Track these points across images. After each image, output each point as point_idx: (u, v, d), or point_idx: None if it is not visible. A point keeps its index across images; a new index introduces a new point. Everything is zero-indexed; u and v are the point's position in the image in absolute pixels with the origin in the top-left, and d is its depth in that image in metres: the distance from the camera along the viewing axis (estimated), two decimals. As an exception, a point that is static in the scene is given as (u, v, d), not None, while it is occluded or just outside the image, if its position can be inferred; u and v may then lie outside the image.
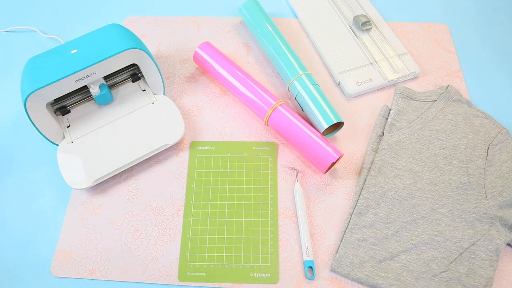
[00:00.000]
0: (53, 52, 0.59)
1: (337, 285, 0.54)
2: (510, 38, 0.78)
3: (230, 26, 0.78)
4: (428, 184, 0.59)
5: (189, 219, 0.58)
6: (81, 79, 0.57)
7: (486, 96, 0.70)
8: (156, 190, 0.61)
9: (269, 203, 0.59)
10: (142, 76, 0.67)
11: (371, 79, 0.69)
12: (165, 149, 0.63)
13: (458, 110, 0.66)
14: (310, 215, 0.59)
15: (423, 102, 0.67)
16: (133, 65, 0.63)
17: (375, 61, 0.71)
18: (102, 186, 0.61)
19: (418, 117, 0.65)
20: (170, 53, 0.74)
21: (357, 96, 0.69)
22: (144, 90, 0.67)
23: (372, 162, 0.61)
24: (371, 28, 0.75)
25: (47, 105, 0.59)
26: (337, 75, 0.70)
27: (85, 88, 0.63)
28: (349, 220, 0.57)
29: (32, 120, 0.57)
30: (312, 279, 0.54)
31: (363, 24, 0.74)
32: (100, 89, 0.62)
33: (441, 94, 0.67)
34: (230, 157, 0.63)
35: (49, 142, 0.61)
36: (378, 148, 0.62)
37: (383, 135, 0.64)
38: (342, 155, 0.59)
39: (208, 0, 0.82)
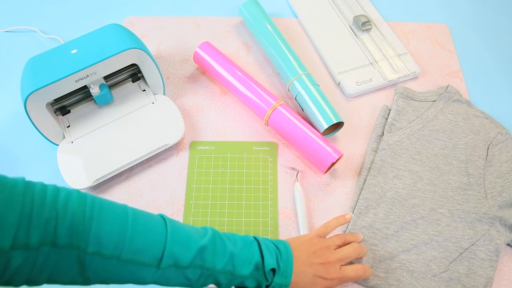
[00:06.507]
0: (53, 52, 0.59)
1: (337, 285, 0.54)
2: (510, 38, 0.78)
3: (230, 26, 0.78)
4: (428, 184, 0.59)
5: (189, 219, 0.58)
6: (81, 79, 0.57)
7: (486, 96, 0.70)
8: (156, 190, 0.61)
9: (269, 203, 0.59)
10: (142, 76, 0.67)
11: (371, 79, 0.69)
12: (165, 149, 0.63)
13: (458, 110, 0.66)
14: (310, 215, 0.59)
15: (423, 102, 0.67)
16: (133, 65, 0.63)
17: (375, 61, 0.71)
18: (102, 186, 0.61)
19: (418, 117, 0.65)
20: (170, 53, 0.74)
21: (357, 96, 0.69)
22: (144, 90, 0.67)
23: (372, 162, 0.61)
24: (371, 28, 0.75)
25: (47, 105, 0.59)
26: (337, 75, 0.70)
27: (85, 88, 0.63)
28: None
29: (32, 120, 0.57)
30: (312, 279, 0.54)
31: (363, 24, 0.74)
32: (100, 89, 0.62)
33: (441, 94, 0.67)
34: (230, 157, 0.63)
35: (49, 142, 0.61)
36: (378, 148, 0.62)
37: (383, 135, 0.64)
38: (342, 155, 0.59)
39: (208, 0, 0.82)
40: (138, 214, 0.41)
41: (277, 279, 0.44)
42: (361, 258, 0.52)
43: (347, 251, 0.49)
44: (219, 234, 0.45)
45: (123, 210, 0.40)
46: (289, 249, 0.47)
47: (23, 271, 0.34)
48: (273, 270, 0.45)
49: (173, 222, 0.43)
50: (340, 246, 0.50)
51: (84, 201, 0.37)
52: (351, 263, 0.52)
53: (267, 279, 0.44)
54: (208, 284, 0.43)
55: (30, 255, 0.34)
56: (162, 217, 0.43)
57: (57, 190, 0.37)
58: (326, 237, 0.52)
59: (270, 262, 0.44)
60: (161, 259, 0.39)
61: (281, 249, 0.46)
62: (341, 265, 0.48)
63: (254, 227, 0.57)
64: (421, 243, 0.55)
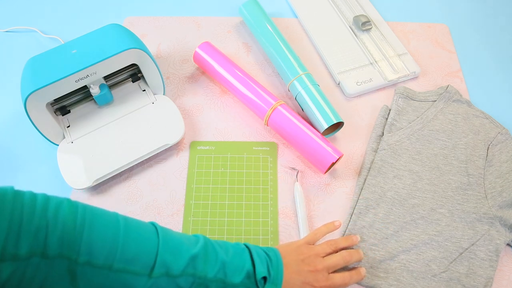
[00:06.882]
0: (53, 52, 0.59)
1: (337, 285, 0.54)
2: (510, 38, 0.78)
3: (230, 26, 0.78)
4: (428, 184, 0.59)
5: (189, 219, 0.58)
6: (81, 79, 0.57)
7: (486, 96, 0.70)
8: (156, 190, 0.61)
9: (269, 203, 0.59)
10: (142, 76, 0.67)
11: (371, 79, 0.69)
12: (165, 149, 0.63)
13: (458, 110, 0.66)
14: (310, 215, 0.59)
15: (423, 102, 0.67)
16: (133, 65, 0.63)
17: (375, 61, 0.71)
18: (102, 186, 0.61)
19: (418, 117, 0.65)
20: (170, 53, 0.74)
21: (357, 96, 0.69)
22: (144, 90, 0.67)
23: (372, 162, 0.61)
24: (371, 28, 0.75)
25: (47, 105, 0.59)
26: (337, 75, 0.70)
27: (85, 88, 0.63)
28: (349, 220, 0.57)
29: (32, 120, 0.57)
30: (312, 279, 0.54)
31: (363, 24, 0.74)
32: (100, 89, 0.62)
33: (441, 94, 0.67)
34: (230, 157, 0.63)
35: (49, 142, 0.61)
36: (378, 148, 0.62)
37: (383, 135, 0.64)
38: (342, 155, 0.59)
39: (208, 0, 0.82)
40: (129, 223, 0.40)
41: (268, 287, 0.44)
42: (359, 260, 0.52)
43: (335, 259, 0.50)
44: (211, 242, 0.45)
45: (114, 219, 0.39)
46: (279, 257, 0.47)
47: (12, 283, 0.33)
48: (264, 278, 0.45)
49: (165, 230, 0.43)
50: (330, 253, 0.51)
51: (75, 209, 0.37)
52: (346, 268, 0.52)
53: (258, 287, 0.44)
54: None
55: (19, 267, 0.33)
56: (154, 225, 0.43)
57: (47, 198, 0.36)
58: (317, 244, 0.52)
59: (261, 270, 0.44)
60: (153, 268, 0.39)
61: (272, 256, 0.46)
62: (329, 273, 0.49)
63: (254, 227, 0.57)
64: (421, 243, 0.55)
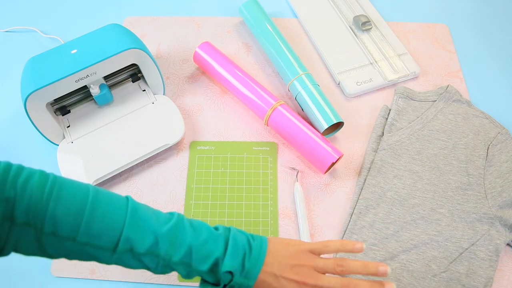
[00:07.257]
0: (53, 52, 0.59)
1: (337, 285, 0.54)
2: (510, 38, 0.78)
3: (230, 26, 0.78)
4: (428, 184, 0.59)
5: (189, 219, 0.58)
6: (81, 79, 0.57)
7: (486, 96, 0.70)
8: (156, 190, 0.61)
9: (269, 203, 0.59)
10: (142, 76, 0.67)
11: (371, 79, 0.69)
12: (165, 149, 0.63)
13: (458, 110, 0.66)
14: (310, 215, 0.59)
15: (423, 102, 0.67)
16: (133, 65, 0.63)
17: (375, 61, 0.71)
18: (102, 186, 0.61)
19: (418, 117, 0.65)
20: (170, 53, 0.74)
21: (357, 96, 0.69)
22: (144, 90, 0.67)
23: (372, 162, 0.61)
24: (371, 28, 0.75)
25: (47, 105, 0.59)
26: (337, 75, 0.70)
27: (85, 88, 0.63)
28: (349, 220, 0.57)
29: (32, 120, 0.57)
30: (312, 279, 0.54)
31: (363, 24, 0.74)
32: (100, 89, 0.62)
33: (441, 94, 0.67)
34: (230, 157, 0.63)
35: (49, 142, 0.61)
36: (378, 148, 0.62)
37: (383, 135, 0.64)
38: (342, 155, 0.59)
39: (208, 0, 0.82)
40: (100, 197, 0.40)
41: (237, 279, 0.41)
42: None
43: (333, 282, 0.41)
44: (183, 223, 0.42)
45: (84, 192, 0.39)
46: (263, 251, 0.42)
47: None
48: (231, 272, 0.41)
49: (137, 206, 0.41)
50: (332, 273, 0.42)
51: (45, 180, 0.38)
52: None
53: (222, 279, 0.41)
54: (169, 272, 0.42)
55: None
56: (127, 199, 0.42)
57: (19, 169, 0.38)
58: (322, 256, 0.45)
59: (229, 263, 0.41)
60: (117, 244, 0.39)
61: (254, 248, 0.42)
62: None
63: (254, 227, 0.57)
64: (421, 243, 0.55)
